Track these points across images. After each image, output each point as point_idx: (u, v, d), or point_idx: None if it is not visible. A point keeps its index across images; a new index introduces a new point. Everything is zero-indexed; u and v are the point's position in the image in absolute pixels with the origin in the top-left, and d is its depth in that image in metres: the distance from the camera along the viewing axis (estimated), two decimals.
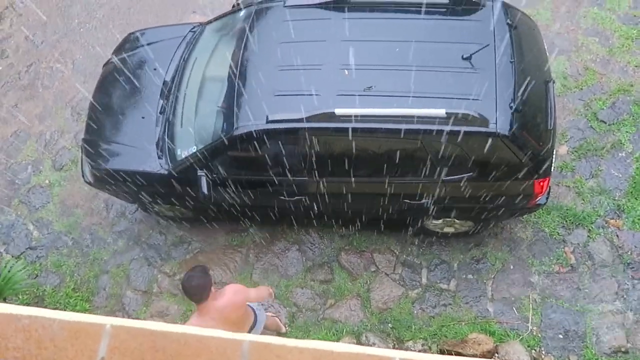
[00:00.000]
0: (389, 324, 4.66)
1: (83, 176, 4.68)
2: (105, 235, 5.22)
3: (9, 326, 1.14)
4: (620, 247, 4.80)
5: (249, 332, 3.71)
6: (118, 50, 5.00)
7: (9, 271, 4.52)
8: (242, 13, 4.44)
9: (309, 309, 4.79)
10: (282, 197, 4.29)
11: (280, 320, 4.59)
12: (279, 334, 4.46)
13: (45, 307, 4.77)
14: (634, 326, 4.52)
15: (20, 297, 4.90)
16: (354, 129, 3.69)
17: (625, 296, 4.63)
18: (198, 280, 3.25)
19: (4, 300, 4.48)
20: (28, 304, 4.82)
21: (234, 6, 4.65)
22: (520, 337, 4.52)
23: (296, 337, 4.22)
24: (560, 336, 4.52)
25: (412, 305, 4.72)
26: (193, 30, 4.86)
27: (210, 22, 4.81)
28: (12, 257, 5.10)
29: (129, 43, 5.04)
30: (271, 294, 3.58)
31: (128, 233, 5.22)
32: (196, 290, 3.25)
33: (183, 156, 4.20)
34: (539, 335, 4.54)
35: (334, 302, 4.80)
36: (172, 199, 4.48)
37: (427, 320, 4.66)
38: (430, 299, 4.74)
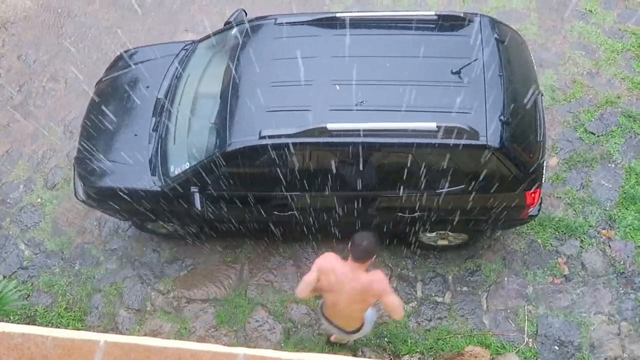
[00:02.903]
0: (385, 338, 4.64)
1: (75, 194, 4.66)
2: (98, 253, 5.18)
3: (2, 345, 1.13)
4: (612, 257, 4.83)
5: (345, 332, 3.76)
6: (110, 69, 5.02)
7: (0, 292, 4.46)
8: (234, 31, 4.49)
9: (305, 324, 4.76)
10: (276, 213, 4.29)
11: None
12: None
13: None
14: (629, 336, 4.52)
15: (12, 317, 4.83)
16: (346, 144, 3.72)
17: (619, 306, 4.64)
18: (369, 245, 3.30)
19: None
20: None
21: (226, 24, 4.70)
22: (517, 349, 4.51)
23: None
24: (556, 347, 4.52)
25: (407, 318, 4.70)
26: (185, 48, 4.90)
27: (202, 39, 4.85)
28: (4, 277, 5.04)
29: (121, 61, 5.06)
30: (402, 316, 3.47)
31: (121, 251, 5.18)
32: (362, 252, 3.29)
33: (176, 173, 4.20)
34: (535, 346, 4.53)
35: None
36: (165, 216, 4.46)
37: (423, 334, 4.64)
38: (425, 313, 4.73)
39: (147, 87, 4.71)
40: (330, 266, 3.43)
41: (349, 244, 3.37)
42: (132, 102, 4.68)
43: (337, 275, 3.39)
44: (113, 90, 4.81)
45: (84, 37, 6.40)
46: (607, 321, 4.59)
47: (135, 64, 4.96)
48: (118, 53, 5.27)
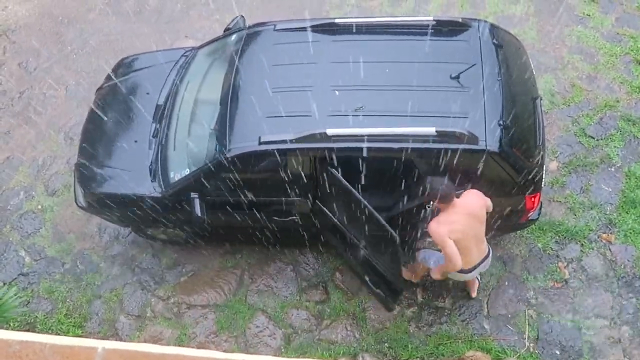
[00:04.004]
0: (386, 344, 4.62)
1: (76, 201, 4.67)
2: (99, 259, 5.18)
3: (0, 352, 1.13)
4: (613, 261, 4.82)
5: (483, 261, 3.94)
6: (111, 76, 5.04)
7: (0, 299, 4.46)
8: (233, 37, 4.51)
9: (305, 330, 4.75)
10: (276, 218, 4.29)
11: (478, 278, 4.64)
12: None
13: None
14: (630, 340, 4.51)
15: (12, 324, 4.83)
16: (346, 149, 3.73)
17: (620, 310, 4.63)
18: (448, 185, 3.58)
19: None
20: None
21: (225, 30, 4.72)
22: (518, 354, 4.49)
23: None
24: (557, 352, 4.51)
25: (408, 324, 4.69)
26: (185, 54, 4.92)
27: (202, 46, 4.87)
28: (4, 283, 5.04)
29: (122, 68, 5.09)
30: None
31: (121, 257, 5.18)
32: (448, 194, 3.57)
33: (176, 179, 4.20)
34: (536, 351, 4.52)
35: (329, 323, 4.76)
36: (165, 222, 4.47)
37: (424, 339, 4.63)
38: (426, 317, 4.72)
39: (147, 93, 4.73)
40: (449, 222, 3.64)
41: (433, 197, 3.62)
42: (133, 108, 4.69)
43: (454, 217, 3.63)
44: (113, 97, 4.83)
45: (84, 44, 6.42)
46: (608, 325, 4.58)
47: (136, 70, 4.98)
48: (119, 59, 5.29)
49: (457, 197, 3.68)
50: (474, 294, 4.69)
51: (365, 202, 3.60)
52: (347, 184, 3.69)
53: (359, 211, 3.67)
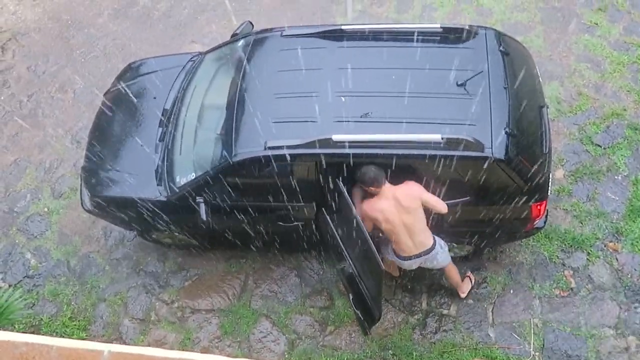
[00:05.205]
0: (390, 351, 4.60)
1: (82, 204, 4.69)
2: (104, 262, 5.20)
3: (6, 354, 1.13)
4: (620, 270, 4.79)
5: (423, 255, 3.99)
6: (118, 80, 5.07)
7: (6, 301, 4.48)
8: (240, 42, 4.53)
9: (309, 336, 4.74)
10: (281, 223, 4.29)
11: (470, 280, 4.74)
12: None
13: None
14: (637, 350, 4.46)
15: (17, 326, 4.84)
16: (351, 155, 3.73)
17: (626, 319, 4.59)
18: (375, 171, 3.71)
19: None
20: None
21: (233, 36, 4.75)
22: None
23: None
24: None
25: (412, 331, 4.67)
26: (192, 59, 4.95)
27: (209, 51, 4.90)
28: (9, 286, 5.06)
29: (129, 72, 5.12)
30: (446, 208, 3.85)
31: (126, 260, 5.19)
32: (373, 179, 3.72)
33: (182, 183, 4.22)
34: None
35: (333, 329, 4.75)
36: (170, 226, 4.48)
37: (428, 347, 4.60)
38: (430, 325, 4.69)
39: (154, 97, 4.76)
40: (376, 208, 3.80)
41: (361, 181, 3.77)
42: (139, 112, 4.72)
43: (382, 204, 3.78)
44: (121, 101, 4.86)
45: (92, 48, 6.48)
46: (615, 335, 4.54)
47: (143, 75, 5.01)
48: (126, 64, 5.33)
49: (392, 185, 3.80)
50: (462, 295, 4.71)
51: (362, 226, 3.58)
52: (349, 199, 3.69)
53: (354, 230, 3.67)
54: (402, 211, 3.79)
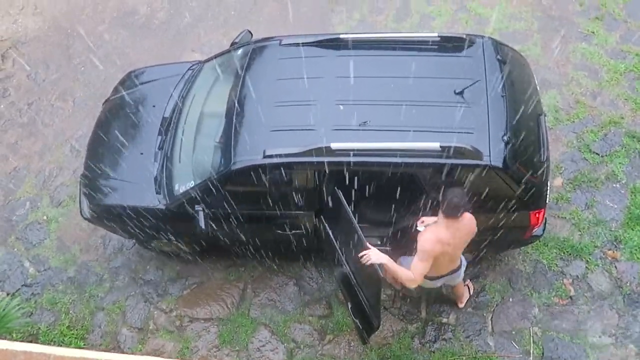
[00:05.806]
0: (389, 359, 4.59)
1: (81, 212, 4.69)
2: (102, 271, 5.18)
3: None
4: (619, 278, 4.79)
5: (449, 274, 3.92)
6: (118, 88, 5.09)
7: (3, 309, 4.46)
8: (239, 51, 4.55)
9: (307, 345, 4.72)
10: (279, 232, 4.29)
11: (469, 289, 4.73)
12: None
13: None
14: (636, 359, 4.45)
15: (14, 335, 4.82)
16: (350, 163, 3.74)
17: (626, 328, 4.58)
18: (461, 196, 3.41)
19: None
20: None
21: (232, 44, 4.77)
22: None
23: None
24: None
25: (411, 339, 4.66)
26: (192, 68, 4.97)
27: (208, 60, 4.92)
28: (7, 294, 5.04)
29: (129, 81, 5.14)
30: None
31: (125, 269, 5.18)
32: (456, 206, 3.40)
33: (181, 191, 4.22)
34: None
35: (332, 338, 4.73)
36: (169, 234, 4.47)
37: (428, 355, 4.58)
38: (430, 333, 4.68)
39: (154, 106, 4.77)
40: (442, 239, 3.53)
41: (444, 208, 3.45)
42: (139, 120, 4.73)
43: (450, 241, 3.56)
44: (120, 109, 4.87)
45: (92, 57, 6.50)
46: (614, 343, 4.52)
47: (142, 83, 5.03)
48: (126, 72, 5.35)
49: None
50: (461, 305, 4.68)
51: (363, 238, 3.57)
52: (349, 210, 3.67)
53: (355, 240, 3.65)
54: (462, 244, 3.69)
